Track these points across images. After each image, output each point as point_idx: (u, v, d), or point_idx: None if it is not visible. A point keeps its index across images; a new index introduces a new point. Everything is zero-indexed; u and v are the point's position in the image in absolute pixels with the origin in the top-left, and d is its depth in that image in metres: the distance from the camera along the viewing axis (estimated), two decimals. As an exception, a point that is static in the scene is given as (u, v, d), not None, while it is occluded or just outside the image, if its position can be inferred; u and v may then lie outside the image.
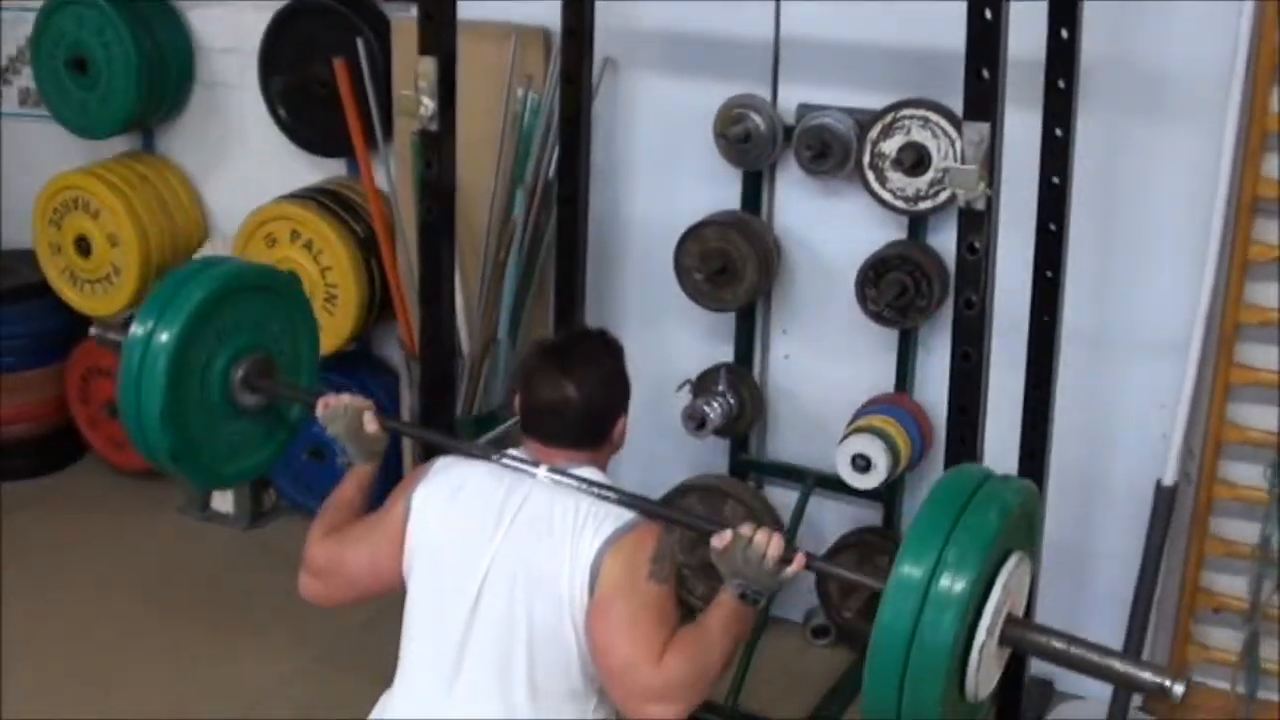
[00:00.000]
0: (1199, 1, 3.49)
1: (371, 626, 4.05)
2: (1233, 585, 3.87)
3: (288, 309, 3.30)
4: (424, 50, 3.27)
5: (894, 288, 3.80)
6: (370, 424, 3.01)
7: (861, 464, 3.83)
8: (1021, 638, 2.32)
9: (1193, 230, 3.60)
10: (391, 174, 4.48)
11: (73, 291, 5.11)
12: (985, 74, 2.69)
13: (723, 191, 4.12)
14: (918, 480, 4.10)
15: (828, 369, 4.19)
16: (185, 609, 4.63)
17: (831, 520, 4.30)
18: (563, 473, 2.70)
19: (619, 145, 4.27)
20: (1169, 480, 3.71)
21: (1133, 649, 3.79)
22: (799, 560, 2.54)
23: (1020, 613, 2.37)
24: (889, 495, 4.09)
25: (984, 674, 2.25)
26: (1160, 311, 3.73)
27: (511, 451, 2.80)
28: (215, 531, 5.12)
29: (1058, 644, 2.31)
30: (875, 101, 3.82)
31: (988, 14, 2.67)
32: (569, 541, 2.60)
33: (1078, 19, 3.22)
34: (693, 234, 4.02)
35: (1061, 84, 3.28)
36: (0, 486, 5.34)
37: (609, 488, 2.69)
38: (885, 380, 4.08)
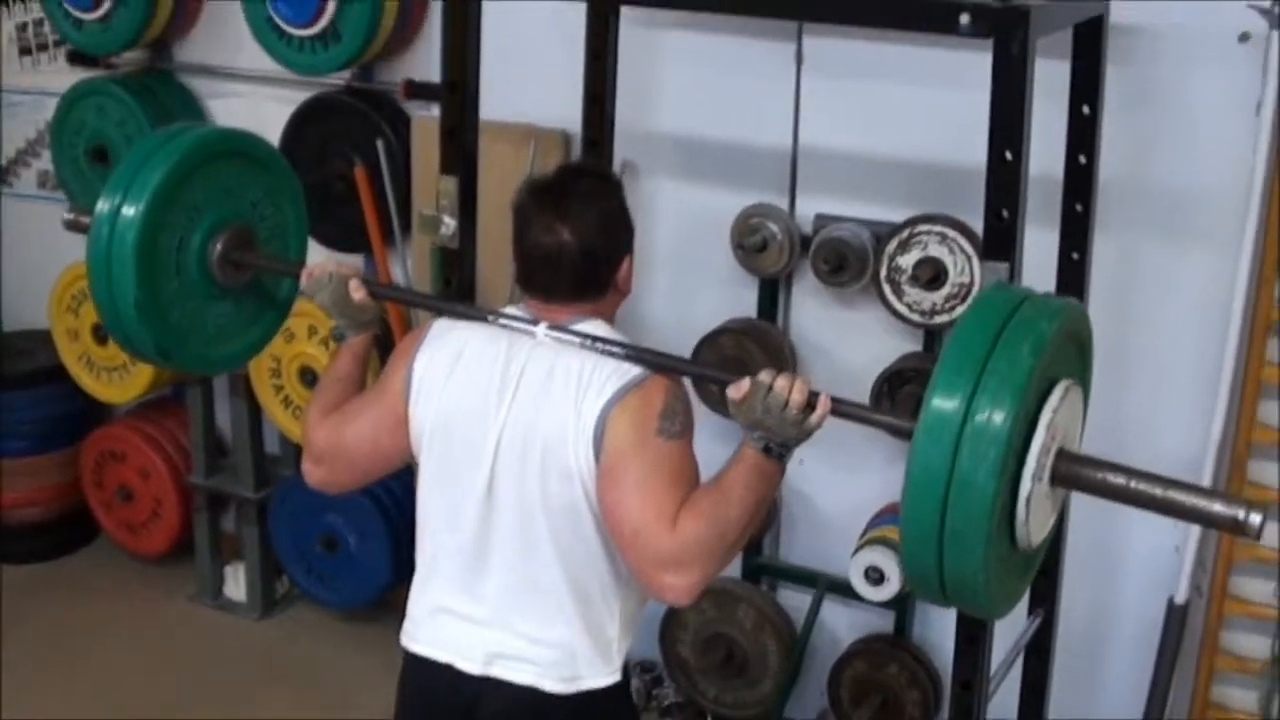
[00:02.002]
0: (1216, 125, 3.52)
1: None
2: (1244, 700, 3.86)
3: (265, 175, 3.09)
4: (445, 169, 3.29)
5: (909, 402, 3.80)
6: (356, 291, 2.80)
7: (875, 576, 3.84)
8: (1076, 475, 2.14)
9: (1207, 351, 3.61)
10: (409, 269, 4.51)
11: (89, 378, 5.13)
12: (1005, 214, 2.72)
13: (739, 297, 4.14)
14: (930, 588, 4.09)
15: (842, 476, 4.19)
16: (193, 706, 4.61)
17: (844, 626, 4.30)
18: (563, 329, 2.54)
19: (636, 247, 4.25)
20: (1181, 598, 3.71)
21: (1146, 763, 3.81)
22: (823, 404, 2.35)
23: (1076, 444, 2.20)
24: (901, 604, 4.09)
25: (1035, 518, 2.09)
26: (1174, 428, 3.73)
27: (510, 309, 2.64)
28: (226, 622, 5.13)
29: (1116, 479, 2.12)
30: (892, 214, 3.84)
31: (1008, 155, 2.69)
32: (571, 406, 2.45)
33: (1097, 145, 3.26)
34: (709, 341, 4.03)
35: (1079, 207, 3.32)
36: (9, 570, 5.34)
37: (613, 342, 2.52)
38: (898, 488, 4.05)
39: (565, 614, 2.55)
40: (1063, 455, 2.12)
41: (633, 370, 2.48)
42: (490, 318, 2.63)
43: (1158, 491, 2.08)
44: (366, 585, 4.89)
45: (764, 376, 2.38)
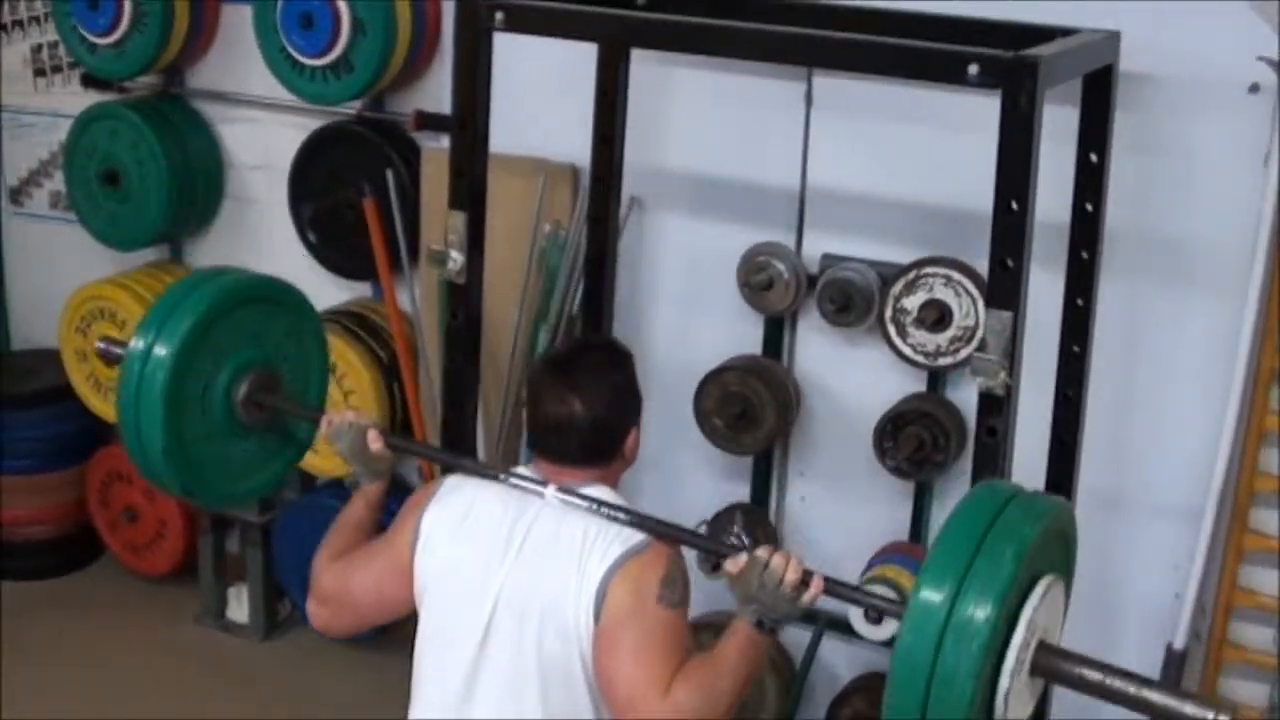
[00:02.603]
0: (1224, 175, 3.53)
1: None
2: (1241, 747, 3.89)
3: (289, 317, 3.20)
4: (454, 205, 3.31)
5: (911, 443, 3.82)
6: (375, 443, 2.91)
7: (874, 616, 3.82)
8: (1055, 668, 2.20)
9: (1210, 398, 3.62)
10: (416, 297, 4.53)
11: (97, 399, 5.15)
12: (1010, 263, 2.73)
13: (744, 334, 4.15)
14: (930, 628, 4.09)
15: (843, 513, 4.20)
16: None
17: (844, 662, 4.30)
18: (571, 492, 2.61)
19: (643, 282, 4.30)
20: (1179, 644, 3.71)
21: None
22: (816, 584, 2.43)
23: (1056, 637, 2.26)
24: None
25: (1014, 708, 2.14)
26: (1176, 475, 3.74)
27: (520, 469, 2.73)
28: (229, 643, 5.14)
29: (1093, 674, 2.19)
30: (898, 255, 3.85)
31: (1014, 205, 2.71)
32: (575, 567, 2.52)
33: (1104, 194, 3.27)
34: (713, 378, 4.04)
35: (1085, 255, 3.33)
36: (13, 587, 5.36)
37: (618, 508, 2.59)
38: (899, 526, 4.10)
39: None
40: (1043, 648, 2.19)
41: (636, 536, 2.56)
42: (501, 476, 2.71)
43: (1131, 689, 2.16)
44: (368, 612, 4.89)
45: (761, 553, 2.45)
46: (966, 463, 3.13)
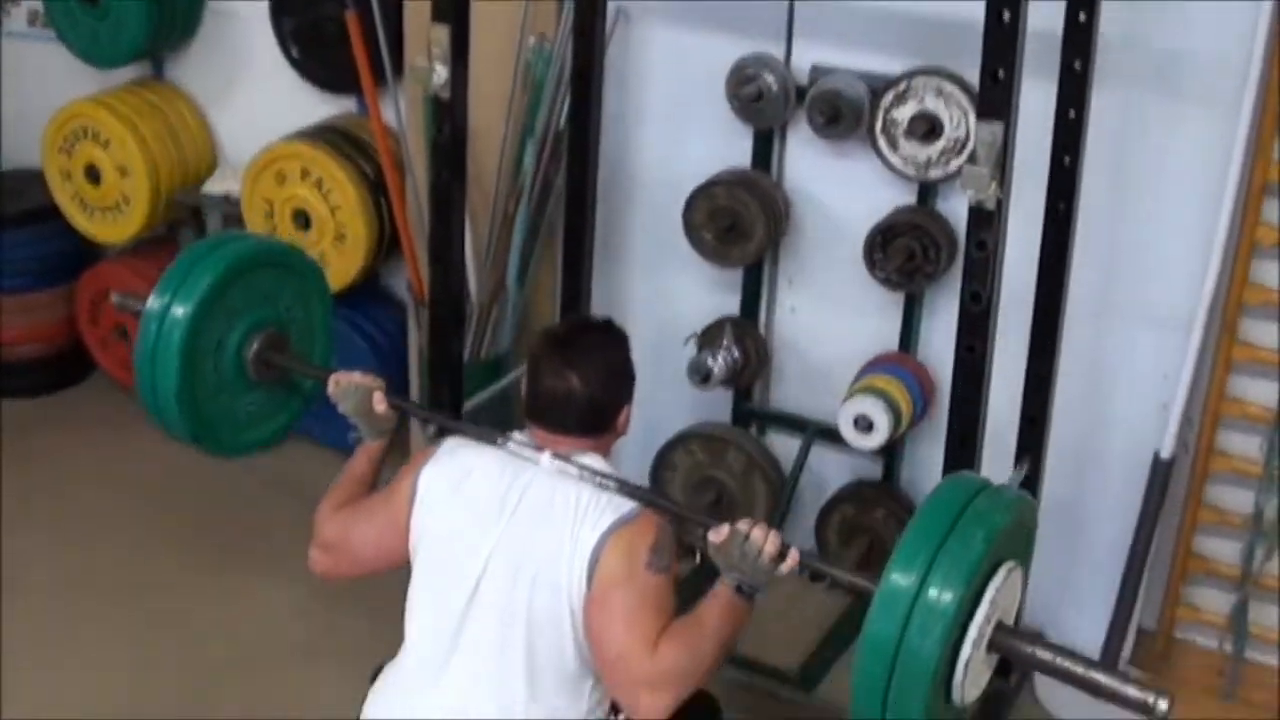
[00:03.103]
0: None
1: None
2: (1222, 551, 3.95)
3: (299, 280, 3.34)
4: (437, 17, 3.25)
5: (901, 254, 3.81)
6: (379, 404, 3.06)
7: (864, 425, 3.87)
8: (1009, 646, 2.35)
9: (1203, 209, 3.61)
10: (401, 111, 4.47)
11: (83, 218, 5.13)
12: (1001, 74, 2.70)
13: (733, 147, 4.11)
14: (918, 438, 4.14)
15: (832, 323, 4.21)
16: (189, 539, 4.70)
17: (832, 470, 4.35)
18: (566, 459, 2.74)
19: (630, 96, 4.25)
20: (1167, 454, 3.75)
21: (1125, 609, 3.88)
22: (792, 558, 2.58)
23: (1011, 619, 2.40)
24: (889, 450, 4.14)
25: (971, 680, 2.29)
26: (1167, 286, 3.75)
27: (517, 435, 2.83)
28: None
29: (1044, 654, 2.34)
30: (889, 66, 3.81)
31: (1005, 15, 2.67)
32: (569, 531, 2.63)
33: (1096, 3, 3.22)
34: (702, 192, 4.02)
35: (1077, 66, 3.29)
36: (7, 404, 5.40)
37: (610, 477, 2.72)
38: (889, 336, 4.11)
39: (516, 711, 2.69)
40: (1000, 628, 2.33)
41: (627, 504, 2.67)
42: (499, 442, 2.82)
43: (1079, 670, 2.31)
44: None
45: (742, 525, 2.59)
46: (956, 275, 3.13)
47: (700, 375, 4.10)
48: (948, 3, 3.63)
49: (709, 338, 4.19)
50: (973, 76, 2.79)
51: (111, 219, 5.06)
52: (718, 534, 2.60)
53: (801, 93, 3.94)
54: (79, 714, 3.90)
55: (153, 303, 3.08)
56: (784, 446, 4.36)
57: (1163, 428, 3.76)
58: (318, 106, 4.83)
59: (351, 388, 3.07)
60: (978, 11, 2.70)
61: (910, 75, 3.74)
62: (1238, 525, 3.87)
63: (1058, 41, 3.26)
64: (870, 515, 4.17)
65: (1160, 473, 3.77)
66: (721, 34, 4.03)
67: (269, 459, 5.05)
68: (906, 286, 3.92)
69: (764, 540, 2.56)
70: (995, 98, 2.72)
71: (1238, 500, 3.87)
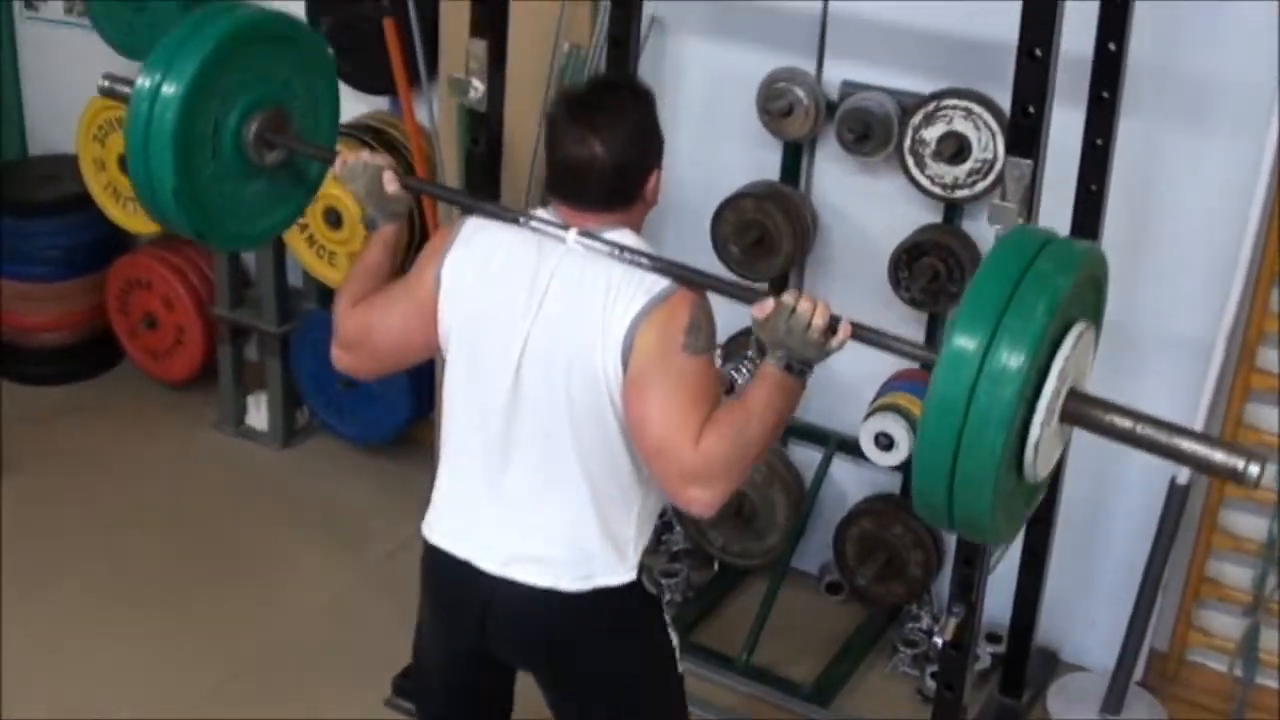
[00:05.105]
0: (1245, 13, 3.49)
1: (401, 554, 4.18)
2: (1235, 576, 3.98)
3: (302, 59, 3.06)
4: (475, 32, 3.28)
5: (926, 273, 3.85)
6: (390, 184, 2.83)
7: (884, 442, 3.91)
8: (1085, 415, 2.17)
9: (1224, 236, 3.63)
10: (434, 112, 4.50)
11: (115, 208, 5.16)
12: (1031, 110, 2.73)
13: (763, 160, 4.15)
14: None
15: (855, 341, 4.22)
16: (215, 529, 4.75)
17: (852, 484, 4.40)
18: (593, 237, 2.55)
19: (662, 105, 4.16)
20: (1184, 479, 3.78)
21: (1138, 630, 3.92)
22: (845, 328, 2.42)
23: (1084, 385, 2.23)
24: (909, 466, 4.16)
25: (1044, 453, 2.14)
26: (1187, 313, 3.78)
27: (539, 213, 2.64)
28: (248, 450, 5.23)
29: (1123, 421, 2.15)
30: (919, 84, 3.84)
31: (1037, 52, 2.70)
32: (600, 316, 2.48)
33: (1126, 33, 3.24)
34: (730, 205, 4.05)
35: (1105, 94, 3.32)
36: (35, 391, 5.48)
37: (641, 253, 2.53)
38: (912, 355, 4.12)
39: (584, 514, 2.59)
40: (1073, 395, 2.15)
41: (660, 283, 2.49)
42: (522, 220, 2.63)
43: (1162, 437, 2.12)
44: (385, 420, 5.00)
45: (788, 298, 2.42)
46: (980, 295, 3.17)
47: (724, 386, 4.12)
48: (979, 24, 3.68)
49: (733, 348, 4.22)
50: (1002, 99, 2.82)
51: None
52: (761, 309, 2.43)
53: (832, 108, 3.97)
54: (99, 708, 3.92)
55: (142, 81, 2.78)
56: (805, 458, 4.40)
57: (1180, 452, 3.78)
58: (350, 105, 4.82)
59: (360, 166, 2.84)
60: (1008, 33, 2.72)
61: (940, 96, 3.77)
62: (1251, 551, 3.90)
63: (1085, 68, 3.29)
64: (889, 530, 4.20)
65: (1177, 498, 3.79)
66: (754, 46, 4.07)
67: (297, 453, 5.16)
68: (930, 306, 3.95)
69: (812, 311, 2.40)
70: (1025, 134, 2.75)
71: (1252, 526, 3.91)
